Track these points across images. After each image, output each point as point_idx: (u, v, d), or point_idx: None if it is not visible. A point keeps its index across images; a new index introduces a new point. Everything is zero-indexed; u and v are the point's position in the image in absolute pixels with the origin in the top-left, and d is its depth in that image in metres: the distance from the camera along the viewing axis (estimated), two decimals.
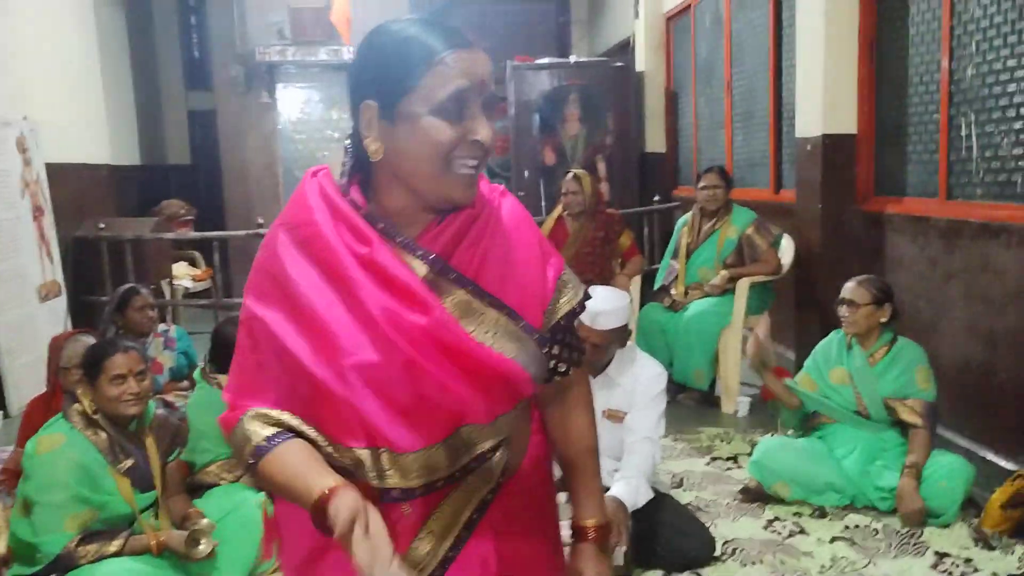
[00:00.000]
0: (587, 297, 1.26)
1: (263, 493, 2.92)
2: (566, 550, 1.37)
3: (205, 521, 2.53)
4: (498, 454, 1.19)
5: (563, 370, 1.25)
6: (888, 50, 4.02)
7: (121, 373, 2.41)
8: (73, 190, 5.83)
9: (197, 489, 2.82)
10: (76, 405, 2.45)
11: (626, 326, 2.70)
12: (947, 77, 3.53)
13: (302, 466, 1.07)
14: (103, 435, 2.43)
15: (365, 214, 1.11)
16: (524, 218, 1.21)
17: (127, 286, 3.92)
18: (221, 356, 3.07)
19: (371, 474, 1.11)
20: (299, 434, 1.11)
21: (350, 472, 1.11)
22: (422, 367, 1.08)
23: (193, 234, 6.58)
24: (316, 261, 1.10)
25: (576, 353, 1.27)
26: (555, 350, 1.23)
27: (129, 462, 2.45)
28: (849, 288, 3.11)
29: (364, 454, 1.10)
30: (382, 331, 1.07)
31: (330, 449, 1.11)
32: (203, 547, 2.44)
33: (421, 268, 1.10)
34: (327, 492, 1.00)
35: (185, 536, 2.43)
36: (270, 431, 1.10)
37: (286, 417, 1.12)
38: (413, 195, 1.11)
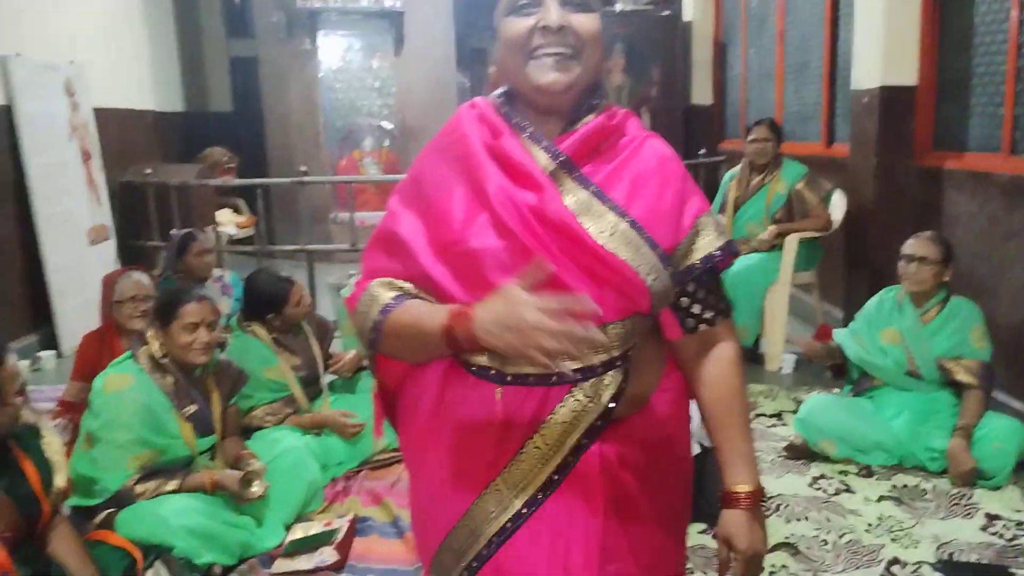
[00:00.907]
0: (731, 248, 1.23)
1: (309, 436, 2.98)
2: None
3: (258, 464, 2.58)
4: (610, 374, 1.16)
5: (708, 317, 1.24)
6: None
7: (194, 321, 2.47)
8: (119, 135, 5.89)
9: (244, 432, 2.88)
10: (144, 347, 2.50)
11: None
12: (1016, 28, 3.38)
13: (428, 309, 1.15)
14: (170, 379, 2.48)
15: (504, 112, 1.22)
16: (671, 156, 1.24)
17: (185, 231, 3.95)
18: (254, 305, 3.11)
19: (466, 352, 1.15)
20: (418, 296, 1.19)
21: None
22: (528, 248, 1.11)
23: (236, 181, 6.61)
24: (454, 158, 1.20)
25: (722, 302, 1.26)
26: (698, 293, 1.23)
27: (193, 407, 2.51)
28: (918, 244, 3.02)
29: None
30: (496, 213, 1.13)
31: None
32: (256, 488, 2.49)
33: (543, 158, 1.18)
34: (458, 311, 1.08)
35: (239, 476, 2.48)
36: (396, 292, 1.19)
37: (408, 285, 1.20)
38: (532, 104, 1.20)
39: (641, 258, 1.14)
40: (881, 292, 3.21)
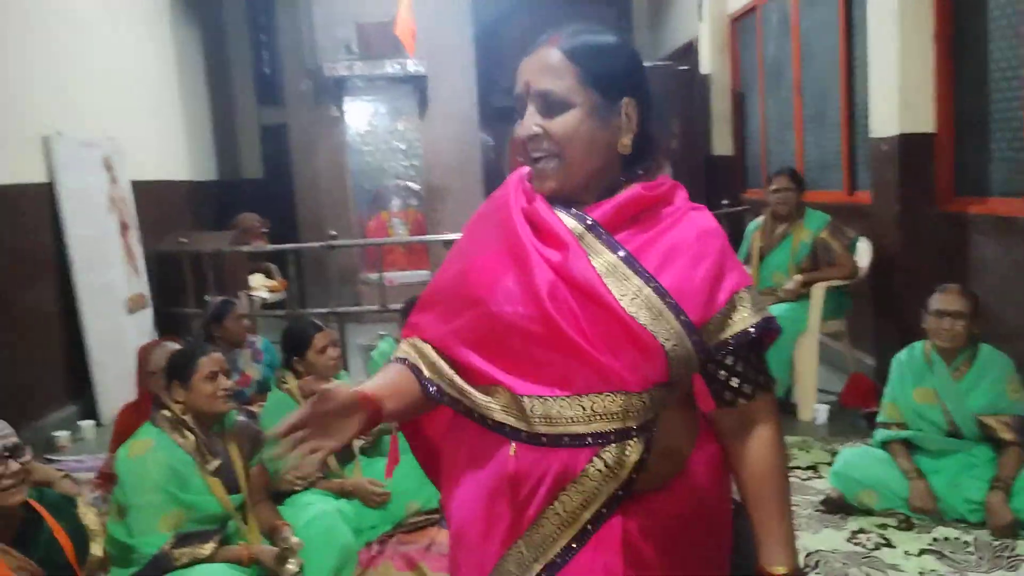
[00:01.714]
0: (769, 324, 1.23)
1: (342, 500, 3.01)
2: None
3: (295, 540, 2.60)
4: (631, 444, 1.17)
5: (747, 392, 1.24)
6: (966, 44, 3.90)
7: (214, 370, 2.54)
8: (156, 206, 6.07)
9: (276, 497, 2.91)
10: (163, 411, 2.56)
11: None
12: None
13: (376, 378, 1.29)
14: (190, 437, 2.53)
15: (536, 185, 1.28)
16: (712, 230, 1.25)
17: (222, 298, 4.08)
18: (284, 348, 3.16)
19: (487, 406, 1.21)
20: (414, 364, 1.29)
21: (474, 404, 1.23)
22: (548, 314, 1.16)
23: (268, 246, 6.76)
24: (495, 224, 1.27)
25: (762, 376, 1.25)
26: (736, 367, 1.23)
27: (217, 462, 2.55)
28: (949, 298, 2.98)
29: (484, 389, 1.22)
30: (523, 271, 1.19)
31: (461, 384, 1.24)
32: (291, 567, 2.51)
33: (571, 222, 1.22)
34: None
35: (275, 552, 2.51)
36: (402, 354, 1.31)
37: (416, 348, 1.30)
38: None
39: (662, 323, 1.15)
40: (906, 350, 3.17)
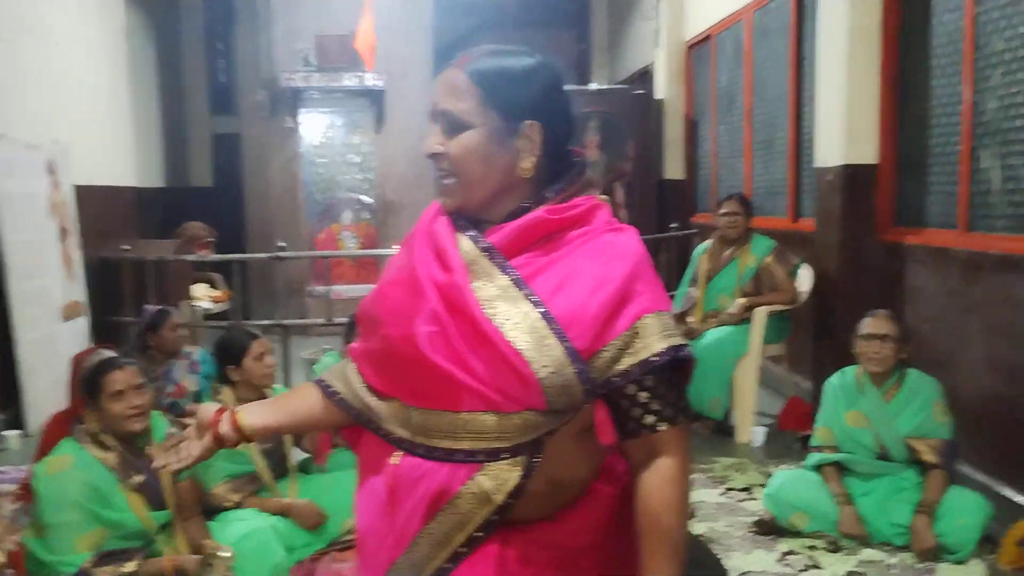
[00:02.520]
0: (677, 351, 1.17)
1: (276, 517, 2.94)
2: None
3: (226, 553, 2.52)
4: (507, 468, 1.16)
5: (650, 423, 1.17)
6: (910, 81, 4.01)
7: (120, 389, 2.42)
8: (98, 212, 5.93)
9: (208, 513, 2.83)
10: (82, 425, 2.47)
11: None
12: (969, 109, 3.52)
13: (279, 398, 1.48)
14: (111, 453, 2.44)
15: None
16: (624, 253, 1.20)
17: (158, 308, 3.98)
18: (218, 356, 3.08)
19: (380, 415, 1.26)
20: (325, 380, 1.37)
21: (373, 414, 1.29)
22: (422, 339, 1.18)
23: (214, 256, 6.64)
24: (410, 243, 1.31)
25: (669, 409, 1.18)
26: (639, 397, 1.17)
27: (140, 478, 2.45)
28: (878, 323, 3.05)
29: (382, 399, 1.28)
30: (416, 295, 1.22)
31: (364, 395, 1.30)
32: (216, 574, 2.44)
33: (466, 244, 1.23)
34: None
35: (199, 559, 2.43)
36: (325, 374, 1.39)
37: (341, 365, 1.37)
38: None
39: (542, 351, 1.13)
40: (838, 374, 3.23)
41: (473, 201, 1.24)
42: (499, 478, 1.16)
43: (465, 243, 1.23)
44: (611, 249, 1.20)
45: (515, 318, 1.15)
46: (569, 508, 1.22)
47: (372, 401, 1.27)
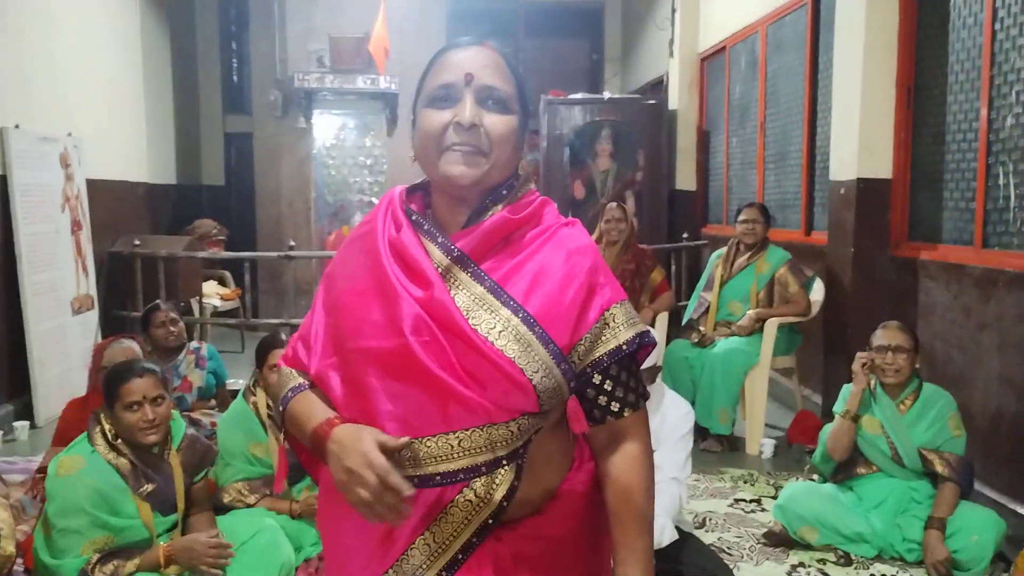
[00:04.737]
0: (642, 339, 1.21)
1: (284, 517, 2.93)
2: None
3: (225, 547, 2.51)
4: (501, 473, 1.15)
5: (615, 410, 1.21)
6: (925, 97, 4.02)
7: (136, 400, 2.37)
8: (110, 206, 5.95)
9: (219, 510, 2.83)
10: (99, 426, 2.43)
11: (656, 365, 2.69)
12: (985, 126, 3.52)
13: (314, 407, 1.21)
14: (124, 459, 2.40)
15: (406, 209, 1.23)
16: (582, 247, 1.22)
17: (149, 305, 3.98)
18: (261, 367, 3.08)
19: None
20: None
21: None
22: (417, 348, 1.12)
23: (224, 254, 6.66)
24: (363, 251, 1.23)
25: (632, 395, 1.22)
26: (605, 385, 1.20)
27: (150, 487, 2.42)
28: (891, 334, 3.05)
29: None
30: (389, 310, 1.15)
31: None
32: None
33: (437, 254, 1.19)
34: (328, 422, 1.16)
35: (188, 543, 2.42)
36: (298, 380, 1.25)
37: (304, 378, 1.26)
38: (442, 194, 1.23)
39: (530, 356, 1.13)
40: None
41: (489, 181, 1.19)
42: (493, 482, 1.15)
43: (436, 253, 1.19)
44: (570, 243, 1.22)
45: (499, 326, 1.13)
46: (552, 499, 1.23)
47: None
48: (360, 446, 1.09)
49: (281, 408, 1.26)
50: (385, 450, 1.09)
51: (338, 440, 1.12)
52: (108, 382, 2.45)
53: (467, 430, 1.13)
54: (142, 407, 2.38)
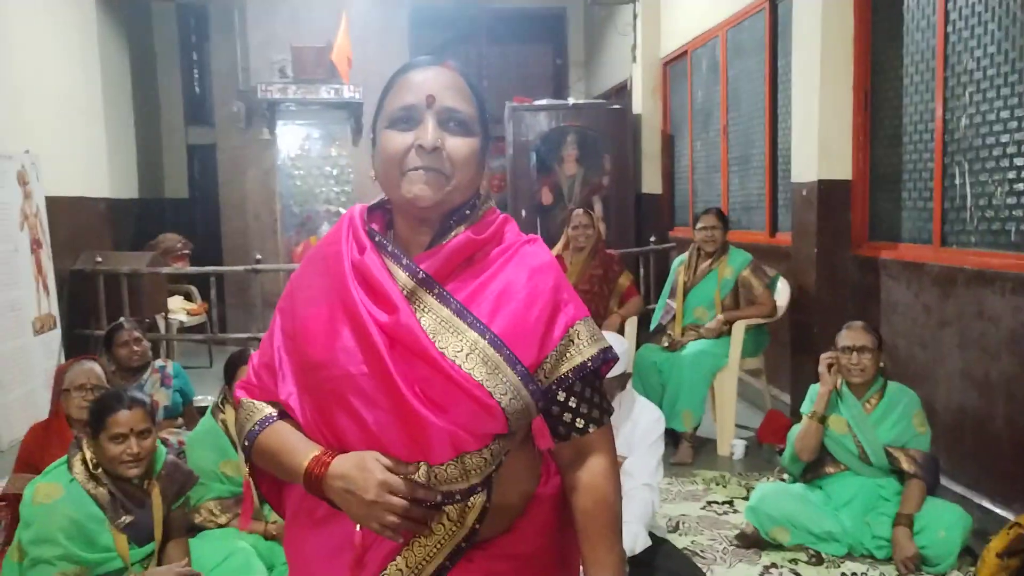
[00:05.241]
0: (605, 355, 1.21)
1: (255, 536, 2.90)
2: None
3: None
4: (473, 498, 1.15)
5: (580, 426, 1.21)
6: (882, 99, 4.09)
7: (122, 432, 2.34)
8: (71, 223, 5.85)
9: (191, 531, 2.79)
10: (79, 454, 2.39)
11: (626, 372, 2.71)
12: (941, 126, 3.59)
13: (292, 442, 1.18)
14: (103, 489, 2.36)
15: (369, 229, 1.22)
16: (545, 265, 1.22)
17: (112, 324, 3.91)
18: (231, 384, 3.04)
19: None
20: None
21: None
22: (383, 373, 1.11)
23: (189, 268, 6.58)
24: (325, 273, 1.21)
25: (596, 411, 1.23)
26: (570, 402, 1.20)
27: (128, 519, 2.38)
28: (855, 335, 3.09)
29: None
30: (357, 336, 1.14)
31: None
32: None
33: (402, 276, 1.18)
34: (319, 459, 1.14)
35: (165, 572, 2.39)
36: (266, 411, 1.22)
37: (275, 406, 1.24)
38: (404, 215, 1.22)
39: (498, 378, 1.12)
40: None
41: (451, 203, 1.19)
42: (466, 507, 1.15)
43: (401, 275, 1.17)
44: (532, 261, 1.21)
45: (465, 349, 1.13)
46: (520, 517, 1.24)
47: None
48: (374, 476, 1.10)
49: (247, 443, 1.22)
50: (395, 471, 1.11)
51: (341, 475, 1.11)
52: (95, 410, 2.41)
53: (442, 465, 1.12)
54: (127, 440, 2.35)
